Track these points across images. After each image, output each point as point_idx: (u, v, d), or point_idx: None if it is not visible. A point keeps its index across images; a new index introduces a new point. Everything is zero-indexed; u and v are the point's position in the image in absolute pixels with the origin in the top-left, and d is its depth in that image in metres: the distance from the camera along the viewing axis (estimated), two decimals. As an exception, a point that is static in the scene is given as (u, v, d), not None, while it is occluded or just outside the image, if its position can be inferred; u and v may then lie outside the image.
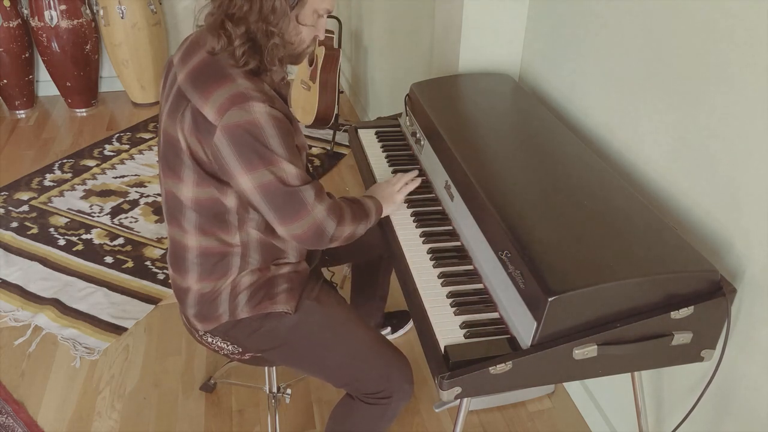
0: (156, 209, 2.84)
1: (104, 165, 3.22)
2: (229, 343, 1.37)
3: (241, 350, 1.38)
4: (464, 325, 1.16)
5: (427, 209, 1.51)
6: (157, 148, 1.26)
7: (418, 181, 1.52)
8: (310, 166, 3.16)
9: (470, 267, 1.32)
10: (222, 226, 1.22)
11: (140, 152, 3.35)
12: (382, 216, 1.43)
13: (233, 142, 1.08)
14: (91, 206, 2.85)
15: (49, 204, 2.86)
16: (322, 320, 1.35)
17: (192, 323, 1.35)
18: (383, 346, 1.37)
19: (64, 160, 3.26)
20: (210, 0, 1.15)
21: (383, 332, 2.08)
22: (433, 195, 1.55)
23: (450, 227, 1.44)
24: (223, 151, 1.09)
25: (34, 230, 2.66)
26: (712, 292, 1.11)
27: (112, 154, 3.34)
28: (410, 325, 2.14)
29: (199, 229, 1.23)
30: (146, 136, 3.53)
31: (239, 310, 1.29)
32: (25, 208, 2.82)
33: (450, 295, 1.24)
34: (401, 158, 1.72)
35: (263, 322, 1.30)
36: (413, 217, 1.48)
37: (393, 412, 1.38)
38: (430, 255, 1.35)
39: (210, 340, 1.38)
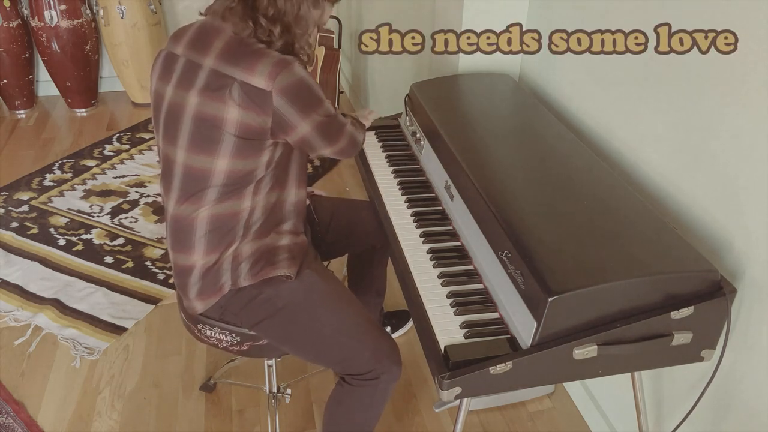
0: (156, 209, 2.84)
1: (104, 165, 3.22)
2: (227, 333, 1.39)
3: (239, 339, 1.40)
4: (464, 325, 1.16)
5: (427, 209, 1.51)
6: (166, 132, 1.31)
7: (376, 113, 1.82)
8: (310, 165, 3.16)
9: (470, 267, 1.32)
10: (239, 193, 1.30)
11: (140, 152, 3.35)
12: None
13: (290, 99, 1.23)
14: (91, 206, 2.85)
15: (49, 204, 2.86)
16: (320, 289, 1.39)
17: (193, 307, 1.37)
18: (375, 327, 1.40)
19: (64, 160, 3.25)
20: None
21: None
22: (433, 195, 1.55)
23: (450, 227, 1.44)
24: (282, 109, 1.23)
25: (34, 230, 2.66)
26: (712, 292, 1.11)
27: (112, 154, 3.34)
28: (410, 325, 2.14)
29: (216, 200, 1.30)
30: (146, 136, 3.53)
31: (242, 278, 1.33)
32: (25, 208, 2.82)
33: (450, 295, 1.24)
34: (401, 158, 1.72)
35: (263, 288, 1.34)
36: (413, 217, 1.48)
37: (383, 394, 1.40)
38: (430, 255, 1.35)
39: (209, 332, 1.40)
